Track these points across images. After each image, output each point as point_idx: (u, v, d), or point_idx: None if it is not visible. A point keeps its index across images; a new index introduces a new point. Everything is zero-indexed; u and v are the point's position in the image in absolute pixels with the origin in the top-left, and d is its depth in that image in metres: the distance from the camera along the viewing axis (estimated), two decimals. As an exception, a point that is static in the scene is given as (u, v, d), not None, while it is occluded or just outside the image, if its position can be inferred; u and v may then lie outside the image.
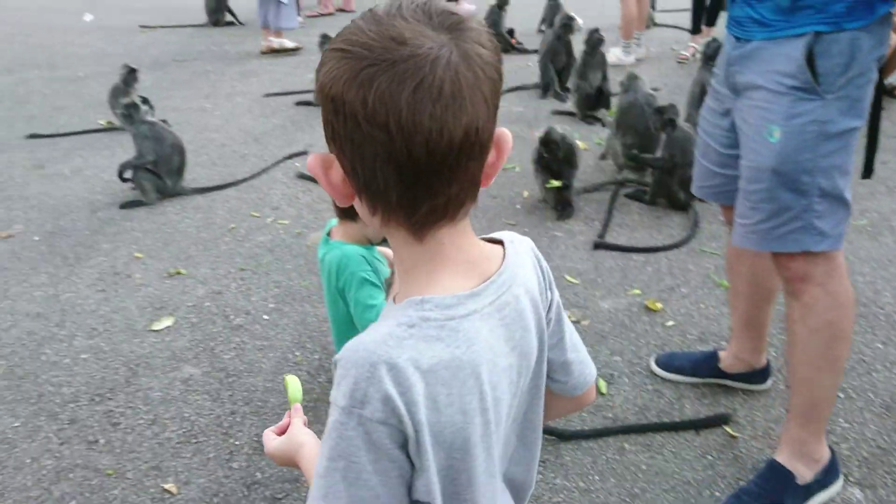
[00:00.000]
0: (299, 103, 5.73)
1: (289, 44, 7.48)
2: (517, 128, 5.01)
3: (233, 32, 8.64)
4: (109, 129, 5.33)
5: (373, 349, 0.78)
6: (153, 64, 7.20)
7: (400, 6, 0.76)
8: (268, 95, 5.99)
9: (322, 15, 9.51)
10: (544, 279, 0.96)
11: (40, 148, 5.02)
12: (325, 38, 5.56)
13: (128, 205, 4.02)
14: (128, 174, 4.03)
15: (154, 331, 2.93)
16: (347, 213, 2.22)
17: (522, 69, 6.46)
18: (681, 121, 3.68)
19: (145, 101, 5.20)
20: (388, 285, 2.26)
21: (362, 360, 0.78)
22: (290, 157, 4.65)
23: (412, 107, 0.72)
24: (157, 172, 4.00)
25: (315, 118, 5.39)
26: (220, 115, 5.56)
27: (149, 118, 4.00)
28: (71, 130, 5.32)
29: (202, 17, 9.05)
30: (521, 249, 0.93)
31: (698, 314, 2.92)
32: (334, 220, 2.34)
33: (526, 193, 4.02)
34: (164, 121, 5.23)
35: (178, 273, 3.35)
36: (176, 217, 3.91)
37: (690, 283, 3.14)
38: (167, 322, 2.98)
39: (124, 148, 4.88)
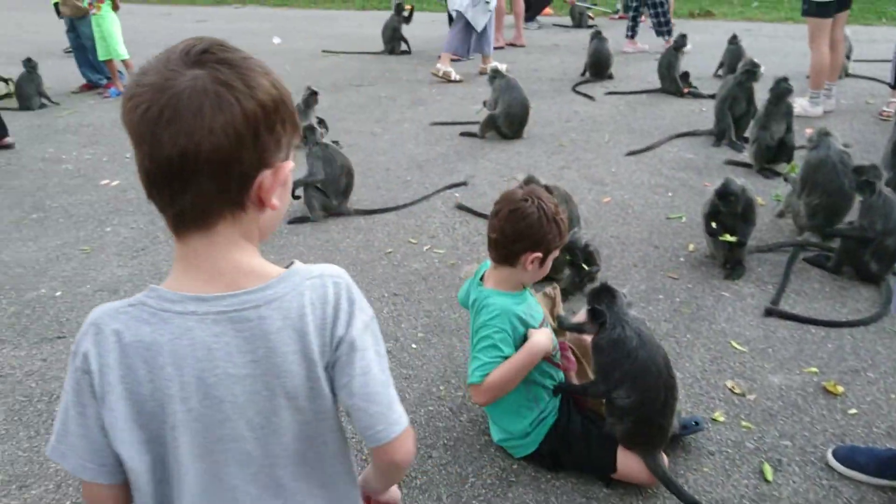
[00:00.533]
0: (463, 134, 5.81)
1: (455, 76, 7.68)
2: (685, 175, 4.77)
3: (406, 61, 8.98)
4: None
5: (98, 314, 0.99)
6: (332, 87, 7.63)
7: (172, 49, 0.94)
8: (434, 124, 6.13)
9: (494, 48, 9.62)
10: (334, 317, 1.04)
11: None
12: (495, 73, 5.61)
13: (296, 220, 4.23)
14: (298, 191, 4.24)
15: (308, 345, 3.02)
16: (504, 259, 2.18)
17: (695, 114, 6.18)
18: (881, 184, 3.31)
19: (321, 121, 5.52)
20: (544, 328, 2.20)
21: (89, 319, 0.99)
22: (451, 186, 4.70)
23: (137, 126, 0.91)
24: (326, 192, 4.17)
25: (479, 149, 5.44)
26: (389, 140, 5.76)
27: (322, 140, 4.20)
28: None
29: (380, 46, 9.50)
30: (309, 282, 1.05)
31: (887, 405, 2.57)
32: (488, 263, 2.30)
33: (692, 246, 3.79)
34: (336, 142, 5.51)
35: (336, 291, 3.45)
36: (338, 236, 4.06)
37: (879, 367, 2.78)
38: (321, 338, 3.06)
39: (298, 165, 5.17)
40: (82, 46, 7.44)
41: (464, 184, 4.74)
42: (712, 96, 6.49)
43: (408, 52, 9.35)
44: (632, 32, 8.83)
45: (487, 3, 7.58)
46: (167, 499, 1.05)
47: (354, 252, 3.86)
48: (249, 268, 1.03)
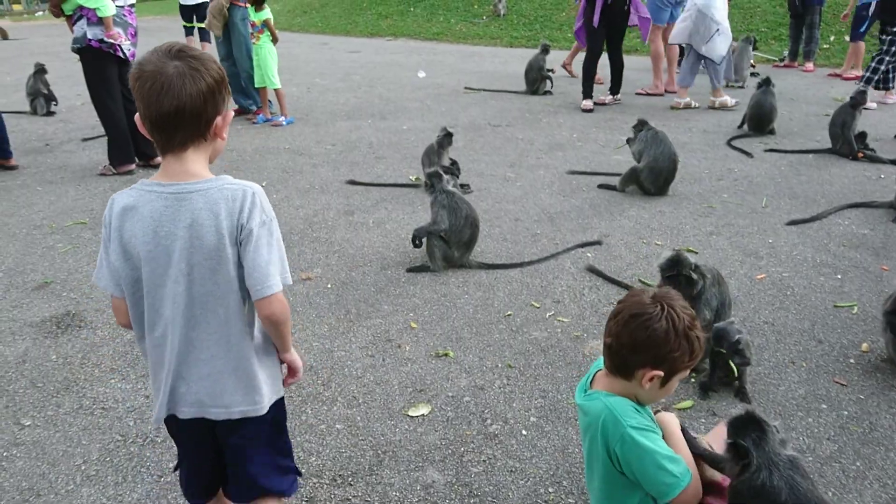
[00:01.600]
0: (602, 186, 5.43)
1: (730, 101, 7.91)
2: (859, 255, 4.13)
3: (548, 102, 8.71)
4: (416, 185, 5.54)
5: (114, 195, 1.61)
6: (470, 125, 7.50)
7: (158, 49, 1.56)
8: (571, 173, 5.80)
9: (649, 94, 9.08)
10: (240, 210, 1.56)
11: (355, 195, 5.38)
12: (641, 124, 5.20)
13: (414, 269, 4.04)
14: (420, 240, 4.05)
15: (409, 416, 2.77)
16: (618, 370, 1.83)
17: (872, 181, 5.45)
18: None
19: (454, 163, 5.35)
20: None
21: (111, 197, 1.62)
22: (583, 245, 4.34)
23: (144, 94, 1.51)
24: (448, 242, 3.95)
25: (617, 204, 5.04)
26: (521, 187, 5.48)
27: (449, 187, 3.99)
28: (384, 182, 5.64)
29: (523, 84, 9.31)
30: (229, 186, 1.58)
31: None
32: (600, 362, 1.94)
33: (865, 346, 3.20)
34: (466, 185, 5.32)
35: (446, 355, 3.19)
36: (457, 290, 3.81)
37: None
38: (423, 410, 2.81)
39: (425, 206, 5.00)
40: (235, 73, 7.76)
41: (597, 243, 4.37)
42: (894, 162, 5.74)
43: (550, 93, 9.08)
44: (890, 83, 7.98)
45: (720, 31, 7.49)
46: (140, 309, 1.66)
47: (472, 311, 3.59)
48: (195, 172, 1.59)
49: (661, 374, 1.75)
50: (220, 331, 1.64)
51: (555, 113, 8.09)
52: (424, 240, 4.03)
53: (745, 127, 6.95)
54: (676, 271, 2.83)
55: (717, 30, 7.54)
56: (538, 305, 3.63)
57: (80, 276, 4.03)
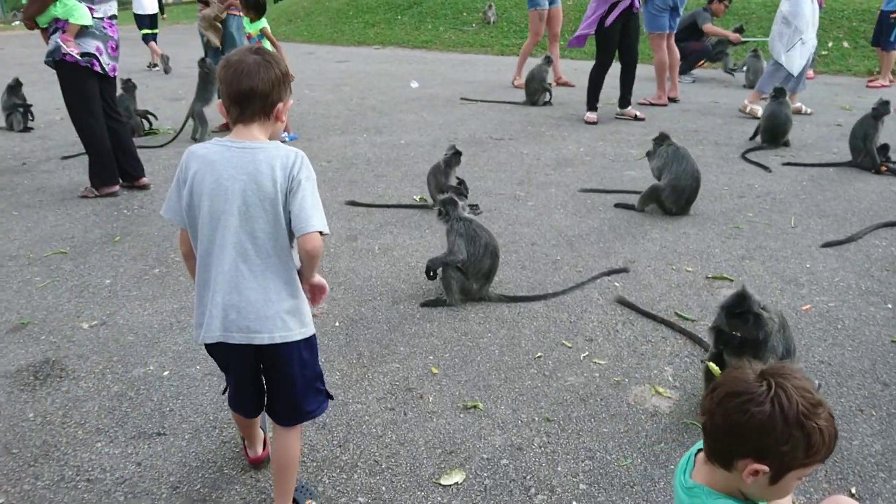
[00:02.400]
0: (619, 205, 5.12)
1: (759, 112, 7.53)
2: (907, 282, 3.84)
3: (549, 114, 8.41)
4: (422, 206, 5.20)
5: (192, 147, 2.00)
6: (471, 139, 7.18)
7: (242, 48, 2.03)
8: (584, 191, 5.48)
9: (652, 104, 8.83)
10: (292, 166, 1.91)
11: (356, 217, 5.03)
12: (662, 139, 4.91)
13: (429, 304, 3.70)
14: (435, 272, 3.72)
15: (441, 485, 2.43)
16: (715, 456, 1.51)
17: (901, 197, 5.19)
18: None
19: (461, 182, 5.02)
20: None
21: (188, 150, 2.00)
22: (609, 273, 4.02)
23: (228, 77, 1.92)
24: (466, 273, 3.62)
25: (638, 226, 4.73)
26: (533, 207, 5.16)
27: (466, 214, 3.65)
28: (386, 202, 5.29)
29: (519, 95, 9.02)
30: (284, 149, 1.94)
31: None
32: (700, 443, 1.62)
33: (936, 389, 2.90)
34: (475, 206, 4.99)
35: (475, 407, 2.85)
36: (478, 328, 3.47)
37: None
38: (457, 477, 2.46)
39: (433, 229, 4.67)
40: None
41: (624, 270, 4.05)
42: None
43: (550, 104, 8.78)
44: None
45: (802, 41, 7.28)
46: (195, 239, 2.00)
47: (497, 352, 3.25)
48: (258, 137, 1.97)
49: (766, 469, 1.43)
50: (268, 264, 1.95)
51: (557, 125, 7.79)
52: (439, 271, 3.69)
53: (759, 139, 6.69)
54: (745, 308, 2.51)
55: (801, 40, 7.31)
56: (570, 345, 3.31)
57: (60, 316, 3.65)
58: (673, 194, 4.78)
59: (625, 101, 7.93)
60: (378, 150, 6.84)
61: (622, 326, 3.47)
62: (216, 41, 7.38)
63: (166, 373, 3.14)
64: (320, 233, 1.91)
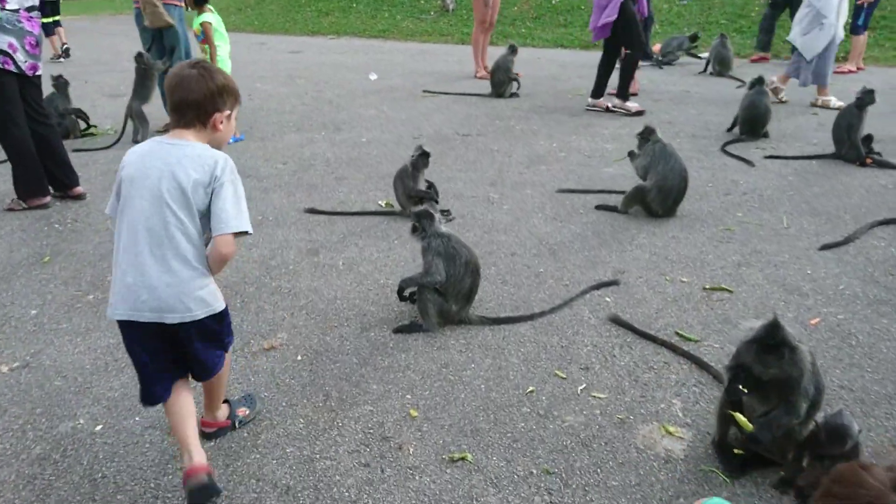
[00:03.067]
0: (600, 207, 4.78)
1: (835, 102, 7.29)
2: (916, 288, 3.58)
3: (516, 106, 8.03)
4: (389, 212, 4.78)
5: (132, 149, 2.20)
6: (436, 136, 6.77)
7: (182, 64, 2.26)
8: (562, 191, 5.12)
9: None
10: (214, 167, 2.07)
11: (317, 227, 4.58)
12: (647, 134, 4.57)
13: (403, 329, 3.29)
14: (408, 292, 3.32)
15: (430, 567, 2.04)
16: None
17: (890, 191, 4.98)
18: None
19: (431, 186, 4.66)
20: None
21: (130, 151, 2.19)
22: (598, 287, 3.67)
23: (169, 88, 2.15)
24: (445, 295, 3.22)
25: (623, 230, 4.39)
26: (509, 211, 4.79)
27: (442, 229, 3.25)
28: (349, 209, 4.86)
29: (482, 87, 8.63)
30: (212, 152, 2.12)
31: None
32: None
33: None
34: (446, 211, 4.61)
35: (463, 459, 2.47)
36: (459, 357, 3.09)
37: None
38: (448, 554, 2.07)
39: (402, 239, 4.27)
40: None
41: (614, 283, 3.71)
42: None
43: (517, 95, 8.41)
44: None
45: (822, 25, 6.92)
46: (119, 227, 2.13)
47: (483, 388, 2.87)
48: (191, 140, 2.13)
49: None
50: (178, 249, 2.07)
51: (526, 118, 7.42)
52: (412, 291, 3.29)
53: (737, 130, 6.42)
54: (780, 340, 2.16)
55: (821, 24, 7.00)
56: (564, 375, 2.94)
57: (-26, 358, 3.15)
58: (660, 195, 4.45)
59: (600, 92, 7.59)
60: (338, 150, 6.38)
61: (619, 351, 3.12)
62: (163, 20, 6.66)
63: (99, 427, 2.68)
64: (245, 233, 2.10)
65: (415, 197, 4.59)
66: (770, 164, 5.65)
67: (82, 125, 6.97)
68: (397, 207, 4.76)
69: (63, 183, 5.10)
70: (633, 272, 3.85)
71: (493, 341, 3.21)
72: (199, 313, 2.13)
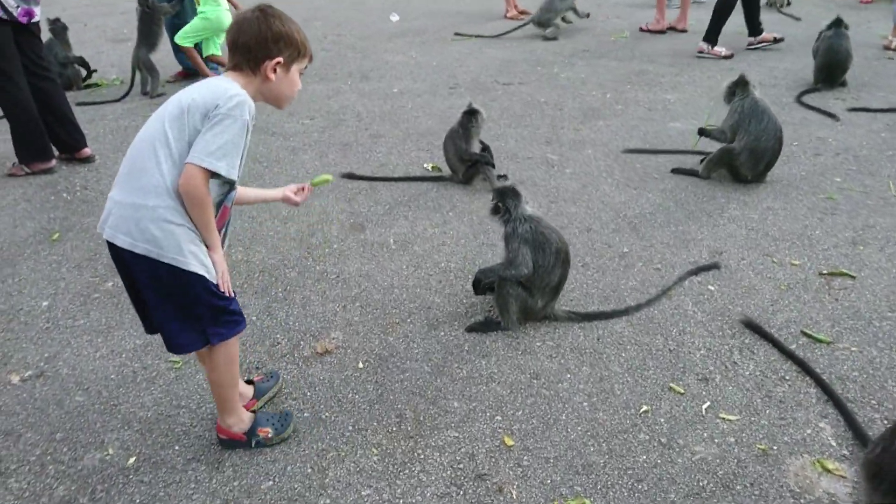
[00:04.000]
0: (677, 171, 4.23)
1: None
2: None
3: (557, 50, 7.36)
4: (437, 177, 4.24)
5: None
6: (474, 85, 6.16)
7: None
8: (628, 152, 4.56)
9: (651, 31, 7.96)
10: (222, 100, 1.83)
11: (358, 195, 4.06)
12: (735, 86, 3.97)
13: (478, 327, 2.81)
14: (485, 287, 2.83)
15: None
16: None
17: None
18: None
19: (486, 149, 4.11)
20: None
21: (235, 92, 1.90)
22: (696, 272, 3.16)
23: (230, 28, 2.00)
24: (531, 289, 2.72)
25: (708, 199, 3.86)
26: (573, 175, 4.24)
27: (528, 210, 2.73)
28: (392, 174, 4.32)
29: (519, 28, 7.94)
30: (235, 90, 1.88)
31: None
32: None
33: None
34: (503, 176, 4.08)
35: (581, 507, 2.01)
36: (551, 365, 2.61)
37: None
38: None
39: (458, 211, 3.75)
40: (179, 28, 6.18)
41: (714, 267, 3.20)
42: None
43: (556, 39, 7.71)
44: None
45: None
46: None
47: (587, 406, 2.40)
48: (226, 79, 1.95)
49: None
50: (155, 172, 1.83)
51: (570, 64, 6.77)
52: (496, 285, 2.79)
53: (817, 81, 5.76)
54: None
55: None
56: (681, 390, 2.46)
57: (-21, 364, 2.68)
58: (751, 159, 3.90)
59: (755, 28, 6.88)
60: (368, 102, 5.78)
61: (740, 356, 2.63)
62: None
63: (132, 460, 2.23)
64: (216, 174, 1.83)
65: (468, 161, 4.04)
66: (856, 118, 5.05)
67: (83, 73, 6.35)
68: (447, 172, 4.22)
69: (69, 144, 4.56)
70: (732, 252, 3.33)
71: (586, 343, 2.73)
72: (141, 248, 1.85)
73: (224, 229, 2.08)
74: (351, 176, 4.27)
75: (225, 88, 1.86)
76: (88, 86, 6.34)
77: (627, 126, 5.04)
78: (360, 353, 2.71)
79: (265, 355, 2.71)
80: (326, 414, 2.39)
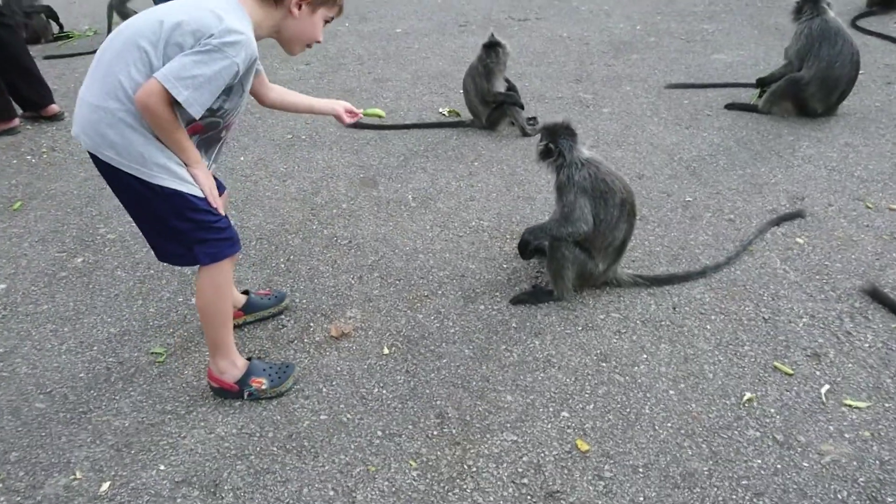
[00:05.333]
0: (731, 106, 3.68)
1: None
2: None
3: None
4: (456, 122, 3.70)
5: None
6: (486, 21, 5.57)
7: None
8: (672, 87, 4.00)
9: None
10: (219, 30, 1.61)
11: (366, 146, 3.53)
12: (807, 4, 3.40)
13: (524, 298, 2.32)
14: (535, 250, 2.31)
15: None
16: None
17: None
18: None
19: (512, 88, 3.55)
20: None
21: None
22: (778, 221, 2.65)
23: None
24: (591, 250, 2.21)
25: (773, 137, 3.33)
26: (612, 115, 3.69)
27: (585, 153, 2.20)
28: (404, 121, 3.77)
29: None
30: (221, 17, 1.64)
31: None
32: None
33: None
34: (532, 119, 3.55)
35: (690, 535, 1.54)
36: (620, 343, 2.11)
37: None
38: None
39: (484, 160, 3.23)
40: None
41: (799, 215, 2.69)
42: None
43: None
44: None
45: None
46: None
47: (675, 396, 1.91)
48: (236, 6, 1.71)
49: None
50: (126, 72, 1.64)
51: (589, -3, 6.14)
52: (548, 247, 2.28)
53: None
54: None
55: None
56: (789, 371, 1.97)
57: (-81, 365, 2.18)
58: (822, 89, 3.35)
59: None
60: (368, 44, 5.19)
61: (853, 323, 2.14)
62: None
63: (105, 486, 1.75)
64: (176, 102, 1.60)
65: (492, 102, 3.49)
66: (923, 42, 4.48)
67: (55, 28, 5.73)
68: (467, 116, 3.67)
69: (33, 101, 4.00)
70: (817, 197, 2.81)
71: (660, 314, 2.23)
72: (104, 154, 1.71)
73: (216, 147, 1.90)
74: (358, 125, 3.72)
75: (220, 19, 1.65)
76: (59, 37, 5.73)
77: (666, 59, 4.47)
78: (383, 335, 2.21)
79: (268, 341, 2.21)
80: (348, 416, 1.91)
